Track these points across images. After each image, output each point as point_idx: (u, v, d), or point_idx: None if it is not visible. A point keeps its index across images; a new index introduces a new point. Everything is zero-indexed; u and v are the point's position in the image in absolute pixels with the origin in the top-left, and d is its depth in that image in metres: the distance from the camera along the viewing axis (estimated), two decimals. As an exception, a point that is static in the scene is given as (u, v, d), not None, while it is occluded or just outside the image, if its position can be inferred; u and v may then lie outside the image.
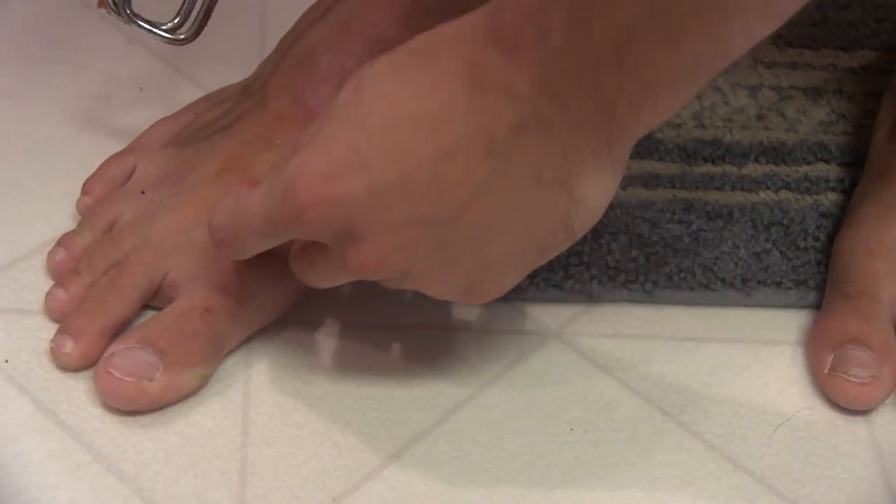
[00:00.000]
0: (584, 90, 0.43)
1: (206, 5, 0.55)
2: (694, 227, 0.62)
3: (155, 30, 0.56)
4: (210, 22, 0.55)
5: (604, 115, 0.44)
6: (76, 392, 0.52)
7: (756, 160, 0.66)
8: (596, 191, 0.47)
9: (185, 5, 0.56)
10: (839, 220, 0.63)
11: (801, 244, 0.62)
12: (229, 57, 0.67)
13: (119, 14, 0.55)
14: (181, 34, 0.56)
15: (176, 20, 0.56)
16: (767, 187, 0.64)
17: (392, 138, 0.45)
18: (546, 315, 0.58)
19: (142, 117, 0.62)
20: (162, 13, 0.57)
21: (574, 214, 0.47)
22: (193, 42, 0.56)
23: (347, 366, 0.55)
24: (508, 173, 0.45)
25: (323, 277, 0.50)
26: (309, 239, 0.48)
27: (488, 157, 0.44)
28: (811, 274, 0.61)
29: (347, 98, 0.46)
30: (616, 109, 0.44)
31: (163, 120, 0.61)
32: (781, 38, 0.72)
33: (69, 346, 0.52)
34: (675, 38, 0.41)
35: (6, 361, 0.53)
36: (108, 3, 0.55)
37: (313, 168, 0.46)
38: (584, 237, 0.60)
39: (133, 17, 0.55)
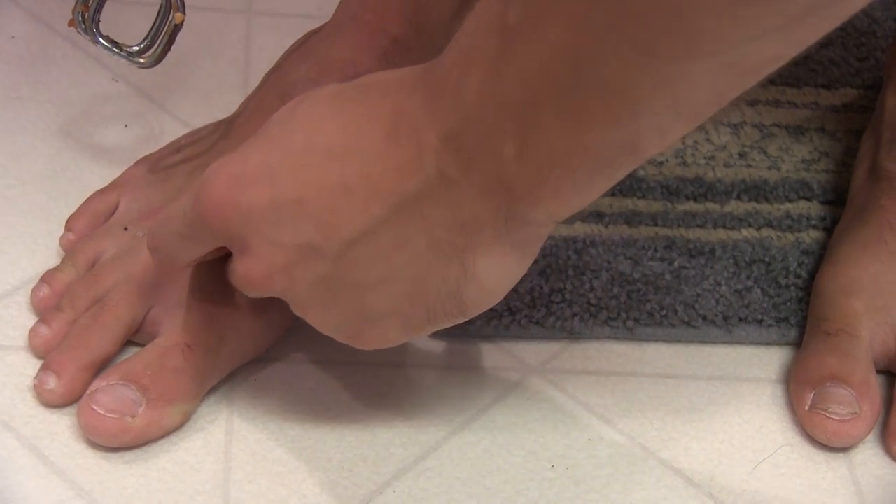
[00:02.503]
0: (487, 156, 0.43)
1: (170, 33, 0.57)
2: (676, 264, 0.64)
3: (117, 51, 0.58)
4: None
5: (504, 188, 0.44)
6: (59, 428, 0.53)
7: (738, 198, 0.68)
8: (492, 271, 0.47)
9: (153, 31, 0.58)
10: (820, 258, 0.65)
11: (783, 282, 0.64)
12: (213, 94, 0.68)
13: (86, 32, 0.57)
14: (143, 58, 0.58)
15: (142, 44, 0.58)
16: (749, 225, 0.66)
17: (304, 160, 0.46)
18: (528, 352, 0.60)
19: (125, 154, 0.64)
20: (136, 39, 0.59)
21: (465, 288, 0.47)
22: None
23: (330, 403, 0.57)
24: (402, 224, 0.46)
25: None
26: (216, 243, 0.50)
27: (384, 203, 0.45)
28: (792, 311, 0.63)
29: (284, 113, 0.48)
30: (516, 183, 0.43)
31: (146, 157, 0.62)
32: (764, 76, 0.75)
33: (52, 382, 0.54)
34: (581, 124, 0.41)
35: (-11, 398, 0.54)
36: (77, 23, 0.57)
37: (228, 171, 0.48)
38: (566, 274, 0.62)
39: (98, 37, 0.57)
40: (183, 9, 0.57)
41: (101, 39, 0.57)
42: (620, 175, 0.43)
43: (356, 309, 0.49)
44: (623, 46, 0.38)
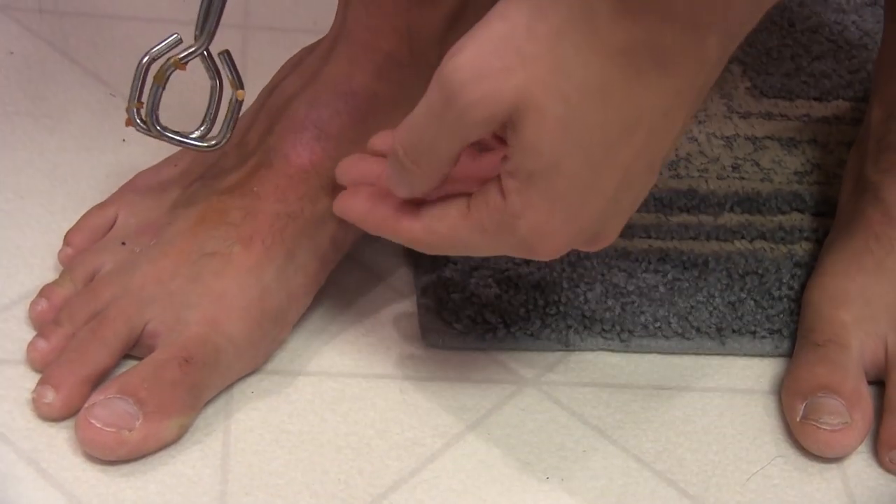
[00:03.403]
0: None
1: (235, 110, 0.58)
2: (669, 276, 0.64)
3: (186, 140, 0.58)
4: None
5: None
6: (57, 441, 0.54)
7: (731, 210, 0.68)
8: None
9: (209, 113, 0.59)
10: (813, 270, 0.65)
11: (776, 293, 0.64)
12: (206, 105, 0.69)
13: (149, 130, 0.58)
14: (212, 140, 0.58)
15: (202, 128, 0.59)
16: (742, 237, 0.67)
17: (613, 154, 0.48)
18: (522, 364, 0.61)
19: (123, 169, 0.64)
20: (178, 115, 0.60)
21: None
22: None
23: (326, 415, 0.57)
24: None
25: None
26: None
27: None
28: (785, 323, 0.63)
29: (565, 147, 0.47)
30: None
31: (144, 171, 0.63)
32: (756, 89, 0.75)
33: (50, 395, 0.54)
34: None
35: (-12, 411, 0.55)
36: (135, 122, 0.58)
37: (472, 51, 0.46)
38: (561, 287, 0.63)
39: (163, 132, 0.58)
40: (242, 84, 0.58)
41: (166, 133, 0.58)
42: None
43: (610, 205, 0.49)
44: None
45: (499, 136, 0.50)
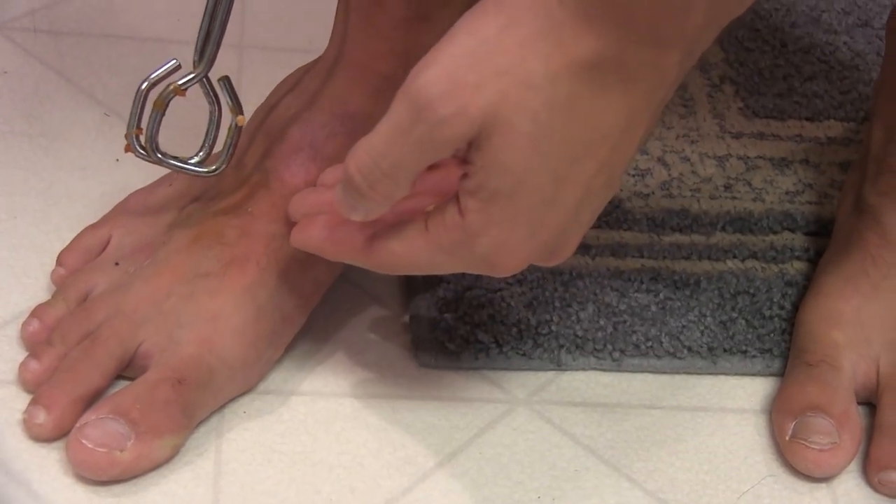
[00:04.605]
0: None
1: (235, 135, 0.58)
2: (661, 296, 0.65)
3: (186, 166, 0.59)
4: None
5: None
6: (48, 462, 0.54)
7: (723, 229, 0.69)
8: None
9: (208, 138, 0.59)
10: (804, 289, 0.66)
11: (767, 313, 0.65)
12: (204, 128, 0.69)
13: (149, 156, 0.58)
14: (211, 165, 0.59)
15: (201, 153, 0.59)
16: (734, 256, 0.67)
17: (576, 169, 0.48)
18: (514, 383, 0.61)
19: (117, 188, 0.65)
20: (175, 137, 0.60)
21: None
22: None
23: (318, 435, 0.58)
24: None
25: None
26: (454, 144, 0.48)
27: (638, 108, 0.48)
28: (776, 342, 0.64)
29: (530, 164, 0.47)
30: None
31: (138, 191, 0.63)
32: (749, 109, 0.76)
33: (42, 416, 0.54)
34: None
35: (-20, 431, 0.55)
36: (134, 148, 0.58)
37: (439, 68, 0.47)
38: (553, 306, 0.63)
39: (163, 158, 0.58)
40: (241, 110, 0.58)
41: (167, 160, 0.58)
42: None
43: (568, 219, 0.49)
44: None
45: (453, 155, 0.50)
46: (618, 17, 0.45)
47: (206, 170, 0.59)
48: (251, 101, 0.64)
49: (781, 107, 0.76)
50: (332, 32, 0.62)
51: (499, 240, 0.49)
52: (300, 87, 0.62)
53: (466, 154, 0.48)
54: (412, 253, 0.51)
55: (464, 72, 0.46)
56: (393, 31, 0.59)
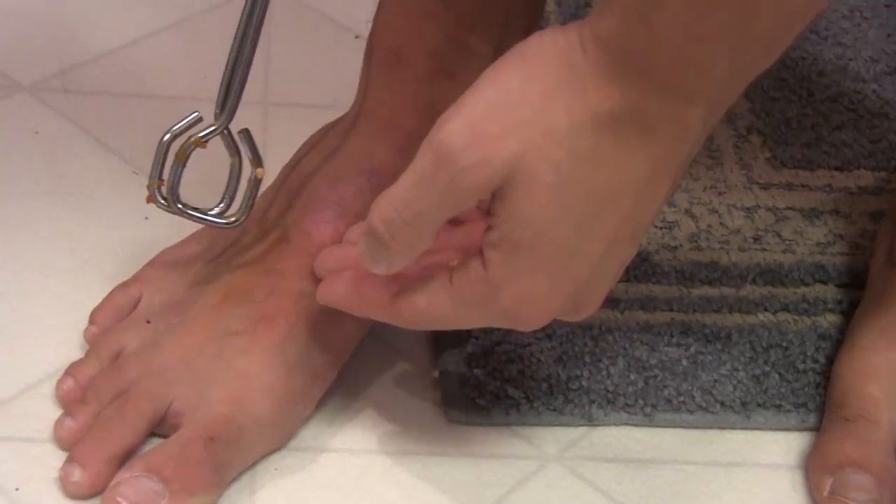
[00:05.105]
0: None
1: (255, 188, 0.60)
2: (692, 349, 0.65)
3: (206, 217, 0.60)
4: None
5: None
6: (84, 521, 0.55)
7: (753, 282, 0.69)
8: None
9: (228, 190, 0.60)
10: (838, 342, 0.66)
11: (801, 366, 0.65)
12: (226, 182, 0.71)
13: (169, 207, 0.59)
14: (231, 217, 0.60)
15: (221, 205, 0.60)
16: (765, 309, 0.68)
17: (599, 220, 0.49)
18: (546, 439, 0.61)
19: (147, 246, 0.66)
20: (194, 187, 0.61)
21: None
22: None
23: (350, 492, 0.58)
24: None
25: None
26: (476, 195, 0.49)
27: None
28: (811, 396, 0.64)
29: (553, 215, 0.48)
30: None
31: (168, 249, 0.64)
32: (777, 159, 0.77)
33: (77, 474, 0.55)
34: None
35: (17, 490, 0.56)
36: (156, 199, 0.59)
37: (461, 120, 0.48)
38: (583, 361, 0.64)
39: (184, 209, 0.59)
40: (261, 162, 0.59)
41: (188, 211, 0.59)
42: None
43: (594, 272, 0.50)
44: None
45: (477, 207, 0.51)
46: (640, 70, 0.46)
47: (225, 221, 0.60)
48: (277, 158, 0.65)
49: (810, 157, 0.77)
50: (358, 90, 0.63)
51: (521, 292, 0.50)
52: (323, 143, 0.63)
53: (490, 206, 0.49)
54: (436, 307, 0.52)
55: (487, 123, 0.47)
56: (416, 87, 0.60)
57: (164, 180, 0.59)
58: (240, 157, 0.60)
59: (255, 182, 0.59)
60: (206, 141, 0.58)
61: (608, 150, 0.47)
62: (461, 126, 0.48)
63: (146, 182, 0.60)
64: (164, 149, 0.59)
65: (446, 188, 0.48)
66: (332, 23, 0.83)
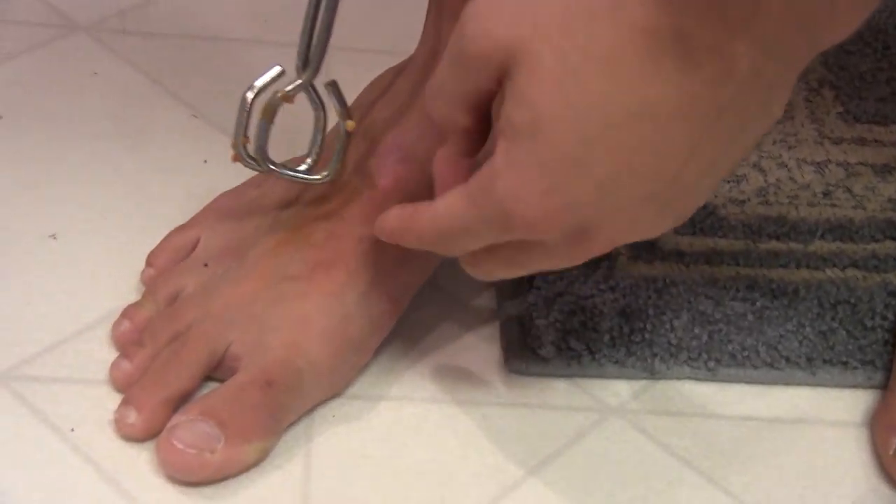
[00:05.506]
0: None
1: (344, 144, 0.59)
2: (758, 304, 0.65)
3: (296, 174, 0.59)
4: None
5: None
6: (139, 462, 0.55)
7: (822, 237, 0.68)
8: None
9: (314, 145, 0.60)
10: (908, 299, 0.65)
11: (869, 323, 0.64)
12: (289, 129, 0.70)
13: (259, 166, 0.59)
14: (323, 171, 0.60)
15: (309, 160, 0.60)
16: (834, 265, 0.67)
17: (611, 135, 0.46)
18: (606, 392, 0.61)
19: (205, 189, 0.66)
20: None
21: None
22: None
23: (407, 440, 0.58)
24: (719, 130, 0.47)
25: (522, 270, 0.52)
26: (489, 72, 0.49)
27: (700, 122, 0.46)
28: (878, 353, 0.63)
29: (554, 108, 0.47)
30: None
31: (226, 193, 0.65)
32: (849, 114, 0.75)
33: (133, 416, 0.56)
34: None
35: (72, 430, 0.56)
36: (243, 157, 0.59)
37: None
38: (647, 314, 0.63)
39: (274, 167, 0.59)
40: (350, 115, 0.59)
41: (277, 168, 0.59)
42: None
43: (688, 198, 0.49)
44: None
45: None
46: None
47: (318, 177, 0.60)
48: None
49: (884, 111, 0.76)
50: (423, 34, 0.63)
51: (515, 185, 0.48)
52: (393, 91, 0.62)
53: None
54: (451, 211, 0.51)
55: (506, 3, 0.48)
56: None
57: (248, 138, 0.58)
58: (324, 109, 0.59)
59: (346, 135, 0.59)
60: (294, 95, 0.58)
61: (632, 61, 0.45)
62: (483, 2, 0.48)
63: (204, 125, 0.60)
64: (247, 106, 0.58)
65: (456, 57, 0.50)
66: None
